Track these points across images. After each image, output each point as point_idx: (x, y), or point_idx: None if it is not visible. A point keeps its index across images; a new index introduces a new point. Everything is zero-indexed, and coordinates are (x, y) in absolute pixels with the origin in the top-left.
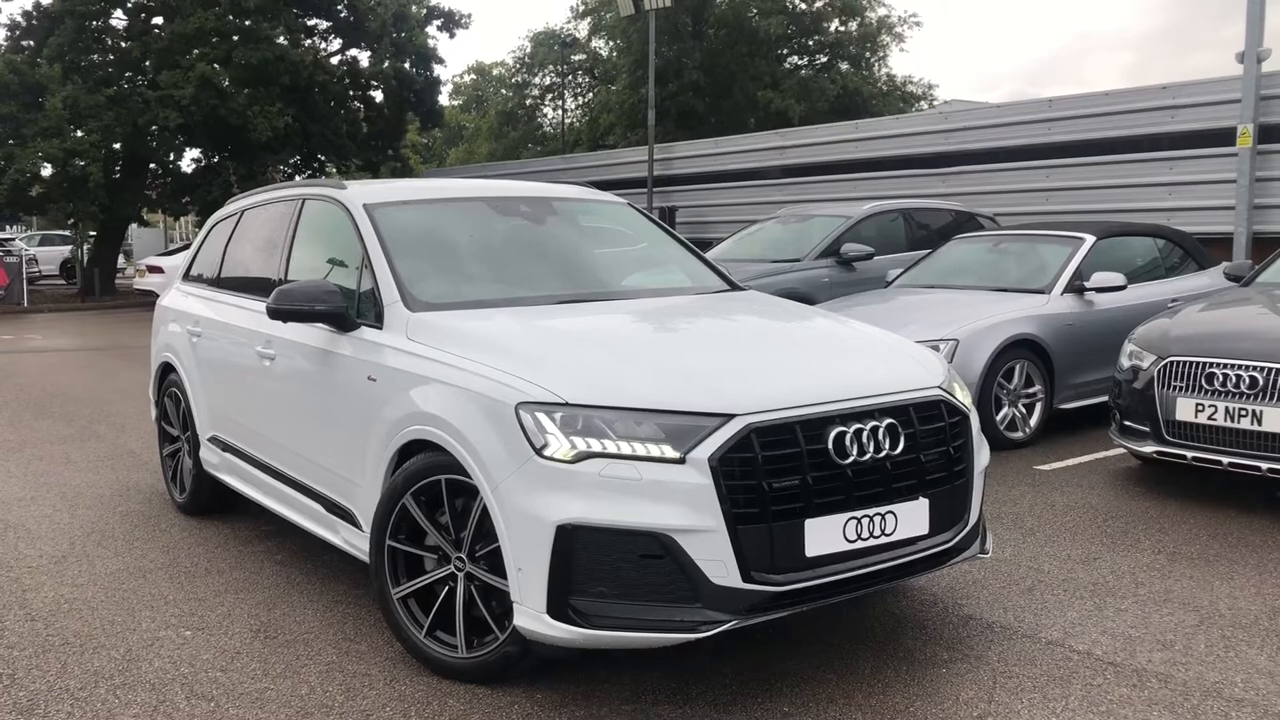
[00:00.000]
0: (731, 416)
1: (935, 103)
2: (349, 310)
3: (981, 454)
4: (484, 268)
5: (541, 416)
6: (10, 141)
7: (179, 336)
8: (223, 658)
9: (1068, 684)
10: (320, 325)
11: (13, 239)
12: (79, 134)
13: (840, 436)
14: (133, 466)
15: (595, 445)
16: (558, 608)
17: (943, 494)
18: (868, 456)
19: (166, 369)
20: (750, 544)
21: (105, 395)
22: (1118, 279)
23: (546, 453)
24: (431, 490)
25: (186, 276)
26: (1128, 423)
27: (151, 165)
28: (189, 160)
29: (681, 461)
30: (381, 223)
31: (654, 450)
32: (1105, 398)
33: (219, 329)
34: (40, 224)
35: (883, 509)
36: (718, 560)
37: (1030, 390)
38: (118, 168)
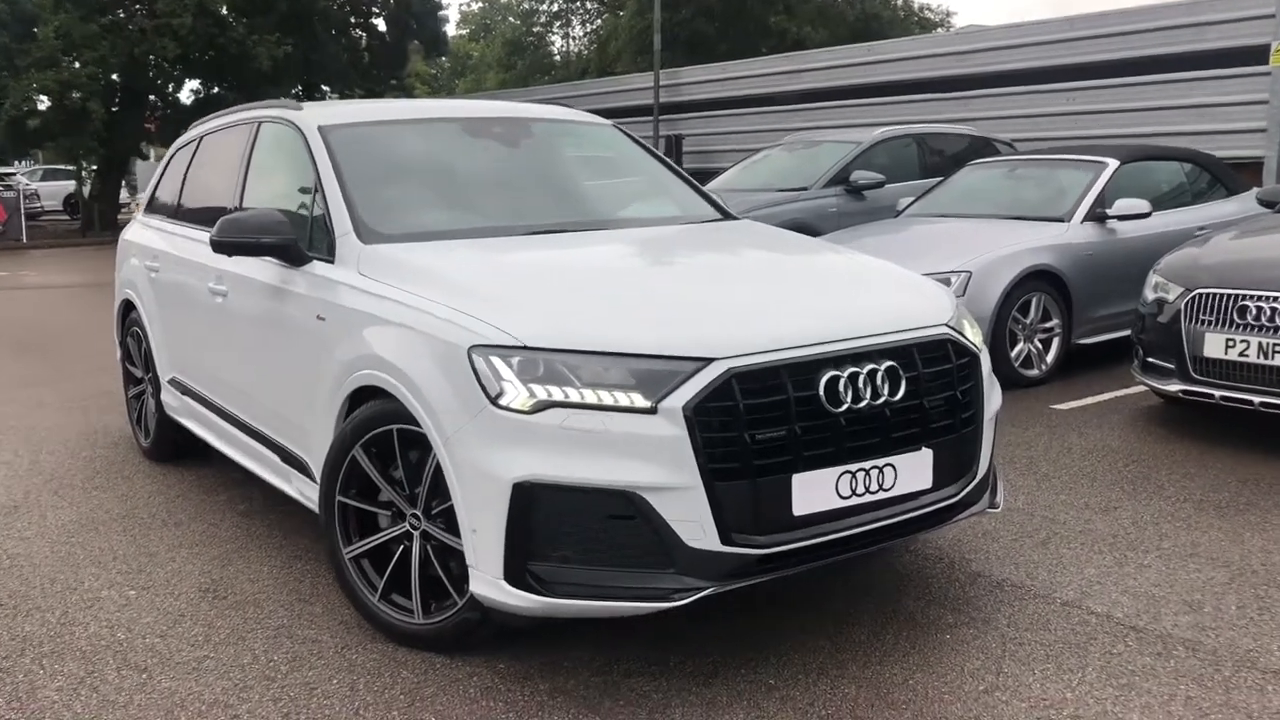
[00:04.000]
0: (710, 360)
1: (952, 30)
2: (299, 243)
3: (993, 398)
4: (448, 195)
5: (497, 361)
6: (4, 73)
7: (138, 272)
8: (164, 621)
9: (1085, 652)
10: (270, 259)
11: (14, 173)
12: (75, 65)
13: (833, 381)
14: (105, 409)
15: (557, 394)
16: (516, 573)
17: (948, 444)
18: (864, 403)
19: (128, 307)
20: (730, 502)
21: (89, 333)
22: (1142, 206)
23: (502, 402)
24: (384, 441)
25: (148, 207)
26: (1151, 359)
27: (150, 97)
28: (188, 92)
29: (653, 411)
30: (337, 146)
31: (622, 399)
32: (1127, 332)
33: (174, 263)
34: (45, 158)
35: (881, 461)
36: (693, 521)
37: (1047, 325)
38: (117, 100)
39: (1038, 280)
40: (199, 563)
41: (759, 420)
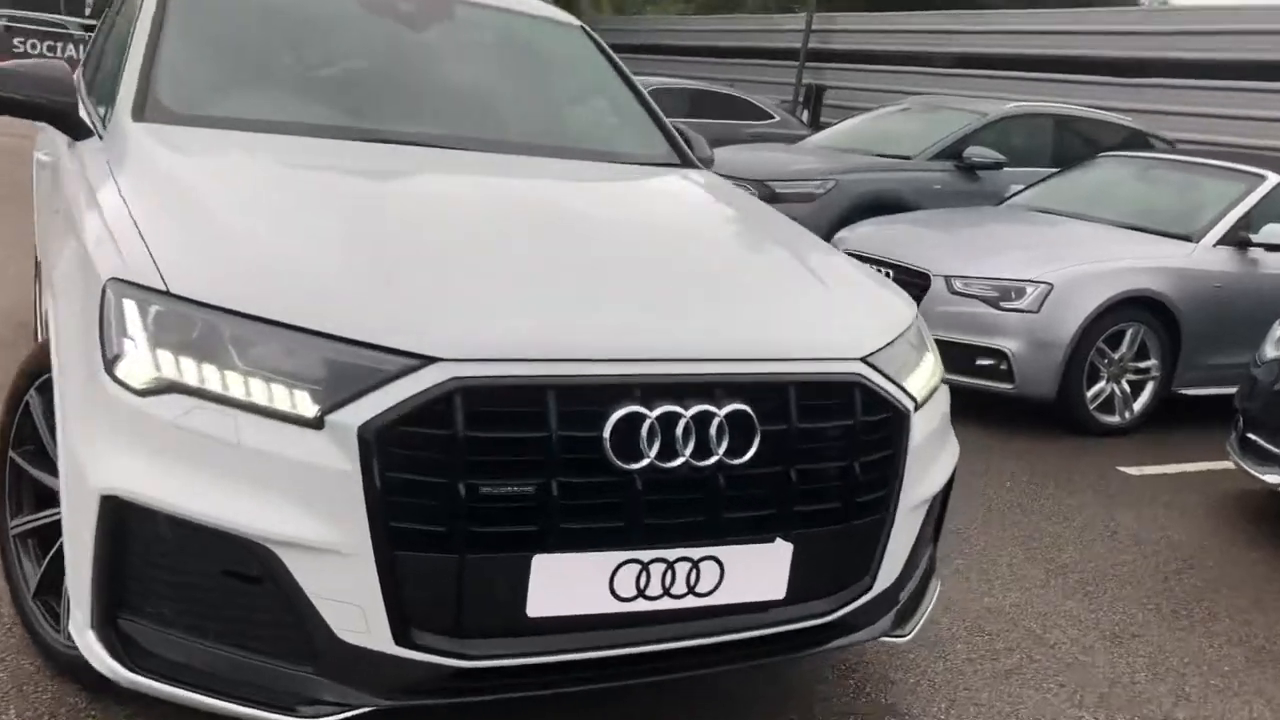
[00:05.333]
0: (429, 360)
1: (1145, 6)
2: (77, 110)
3: (927, 474)
4: (294, 78)
5: (130, 307)
6: None
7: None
8: None
9: None
10: (48, 126)
11: None
12: None
13: (631, 422)
14: None
15: (191, 373)
16: (103, 624)
17: (827, 538)
18: (680, 461)
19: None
20: (418, 584)
21: None
22: None
23: (119, 370)
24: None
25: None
26: (1253, 436)
27: None
28: None
29: (317, 425)
30: None
31: (282, 399)
32: None
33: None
34: None
35: (698, 551)
36: (351, 603)
37: (1142, 364)
38: None
39: (1138, 308)
40: None
41: (490, 465)
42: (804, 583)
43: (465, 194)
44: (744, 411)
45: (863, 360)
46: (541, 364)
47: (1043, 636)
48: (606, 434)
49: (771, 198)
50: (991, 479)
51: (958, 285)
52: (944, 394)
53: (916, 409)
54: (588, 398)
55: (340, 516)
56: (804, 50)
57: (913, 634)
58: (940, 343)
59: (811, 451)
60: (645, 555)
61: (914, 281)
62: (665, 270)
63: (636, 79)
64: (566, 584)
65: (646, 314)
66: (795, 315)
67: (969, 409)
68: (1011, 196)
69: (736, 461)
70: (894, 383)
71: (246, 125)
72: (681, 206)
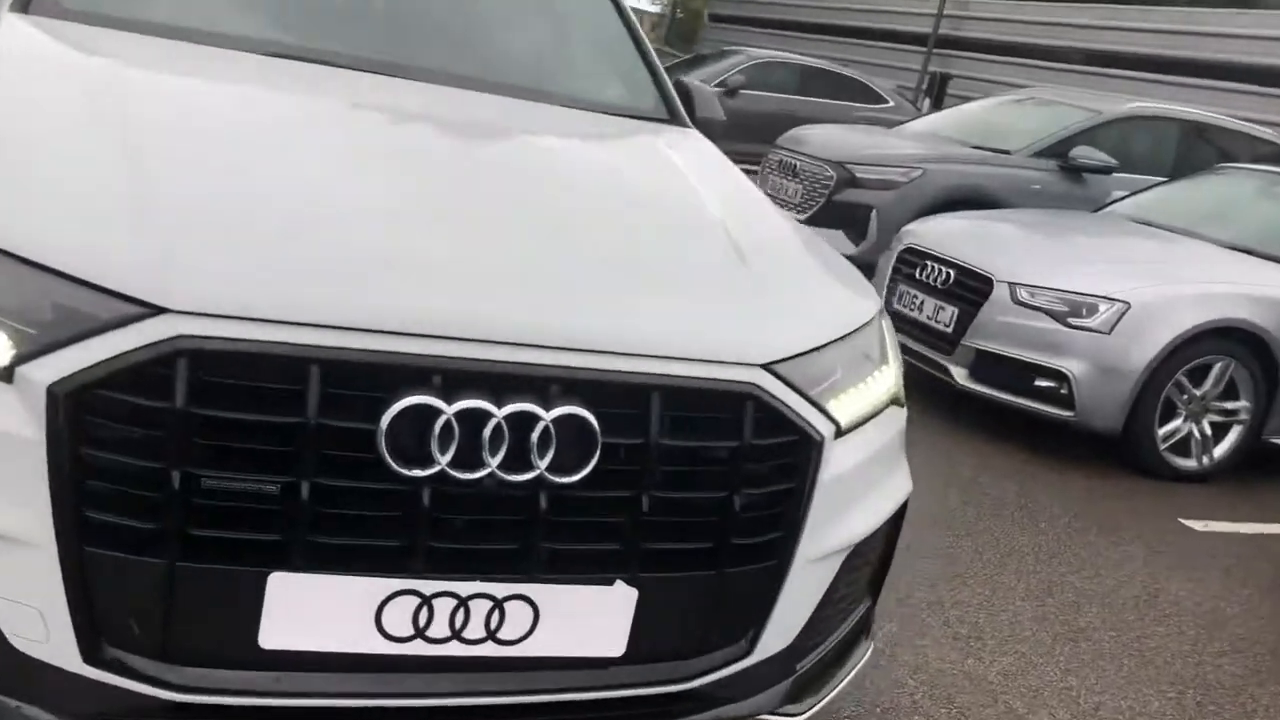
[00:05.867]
0: (158, 311)
1: None
2: None
3: (847, 517)
4: None
5: None
6: None
7: None
8: None
9: None
10: None
11: None
12: None
13: (424, 415)
14: None
15: None
16: None
17: (686, 585)
18: (485, 472)
19: None
20: (115, 590)
21: None
22: None
23: None
24: None
25: None
26: None
27: None
28: None
29: (6, 377)
30: None
31: None
32: None
33: None
34: None
35: (501, 587)
36: (27, 604)
37: (1230, 405)
38: None
39: (1231, 340)
40: None
41: (221, 452)
42: (653, 639)
43: (342, 124)
44: (581, 418)
45: (765, 368)
46: (305, 330)
47: (1024, 718)
48: (383, 428)
49: (849, 182)
50: (1023, 516)
51: (1023, 295)
52: (891, 418)
53: (839, 435)
54: (364, 380)
55: (19, 495)
56: (933, 35)
57: (811, 713)
58: (994, 357)
59: (675, 476)
60: (427, 587)
61: (975, 286)
62: (545, 235)
63: (746, 51)
64: (315, 613)
65: (475, 282)
66: (687, 303)
67: (1019, 432)
68: (1111, 204)
69: (565, 479)
70: (807, 399)
71: (140, 27)
72: (619, 164)
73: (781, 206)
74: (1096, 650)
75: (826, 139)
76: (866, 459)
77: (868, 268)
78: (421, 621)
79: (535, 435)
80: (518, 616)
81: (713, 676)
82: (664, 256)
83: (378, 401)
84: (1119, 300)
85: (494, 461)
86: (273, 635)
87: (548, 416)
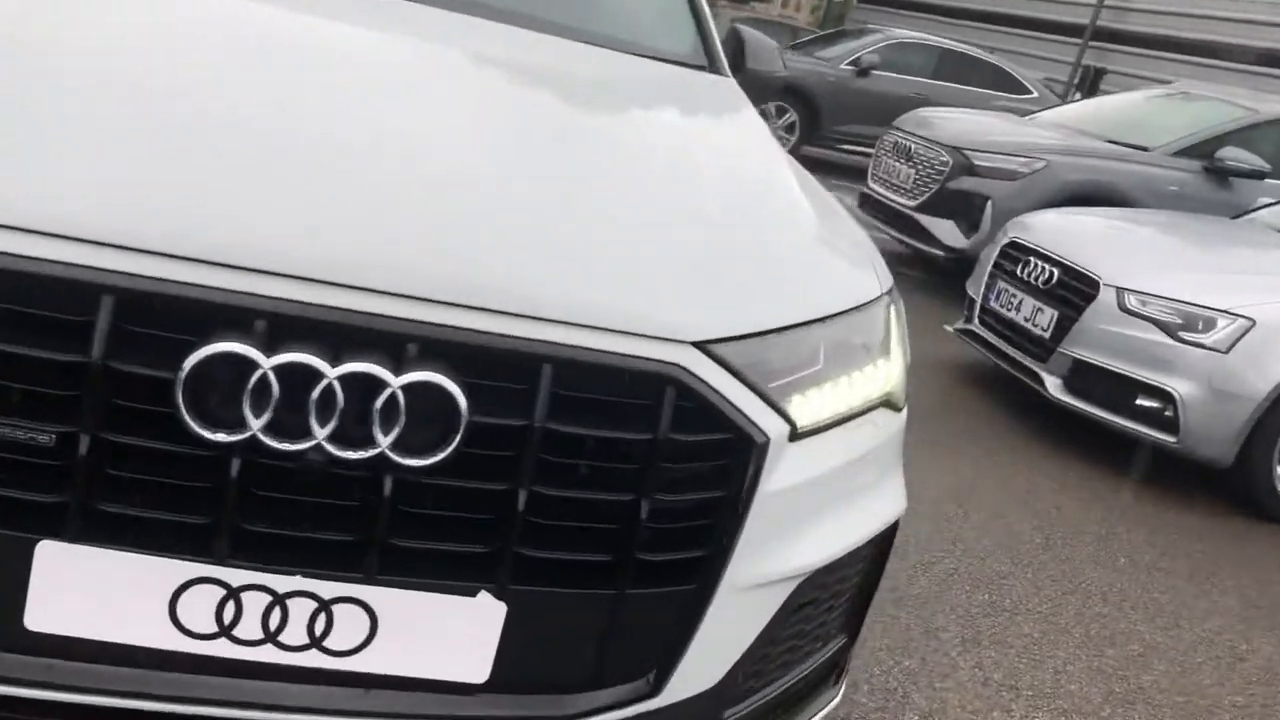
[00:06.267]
0: None
1: None
2: None
3: (803, 538)
4: None
5: None
6: None
7: None
8: None
9: None
10: None
11: None
12: None
13: (236, 367)
14: None
15: None
16: None
17: (575, 604)
18: (307, 444)
19: None
20: None
21: None
22: None
23: None
24: None
25: None
26: None
27: None
28: None
29: None
30: None
31: None
32: None
33: None
34: None
35: (329, 586)
36: None
37: None
38: None
39: None
40: None
41: None
42: (526, 666)
43: (313, 38)
44: (440, 387)
45: (699, 346)
46: (97, 250)
47: None
48: (181, 378)
49: (966, 170)
50: (1099, 549)
51: (1131, 302)
52: (881, 423)
53: (795, 437)
54: (166, 317)
55: None
56: (1090, 26)
57: None
58: (1093, 369)
59: (564, 470)
60: (234, 577)
61: (1079, 288)
62: (455, 172)
63: (886, 30)
64: (93, 593)
65: (330, 212)
66: (613, 260)
67: (1118, 452)
68: (1256, 210)
69: (416, 462)
70: (754, 390)
71: None
72: (603, 105)
73: (891, 191)
74: (1154, 718)
75: (949, 123)
76: (835, 469)
77: (976, 263)
78: (227, 618)
79: (378, 404)
80: (350, 623)
81: (604, 718)
82: (601, 207)
83: (182, 345)
84: (1241, 316)
85: (321, 433)
86: (41, 616)
87: (395, 383)
